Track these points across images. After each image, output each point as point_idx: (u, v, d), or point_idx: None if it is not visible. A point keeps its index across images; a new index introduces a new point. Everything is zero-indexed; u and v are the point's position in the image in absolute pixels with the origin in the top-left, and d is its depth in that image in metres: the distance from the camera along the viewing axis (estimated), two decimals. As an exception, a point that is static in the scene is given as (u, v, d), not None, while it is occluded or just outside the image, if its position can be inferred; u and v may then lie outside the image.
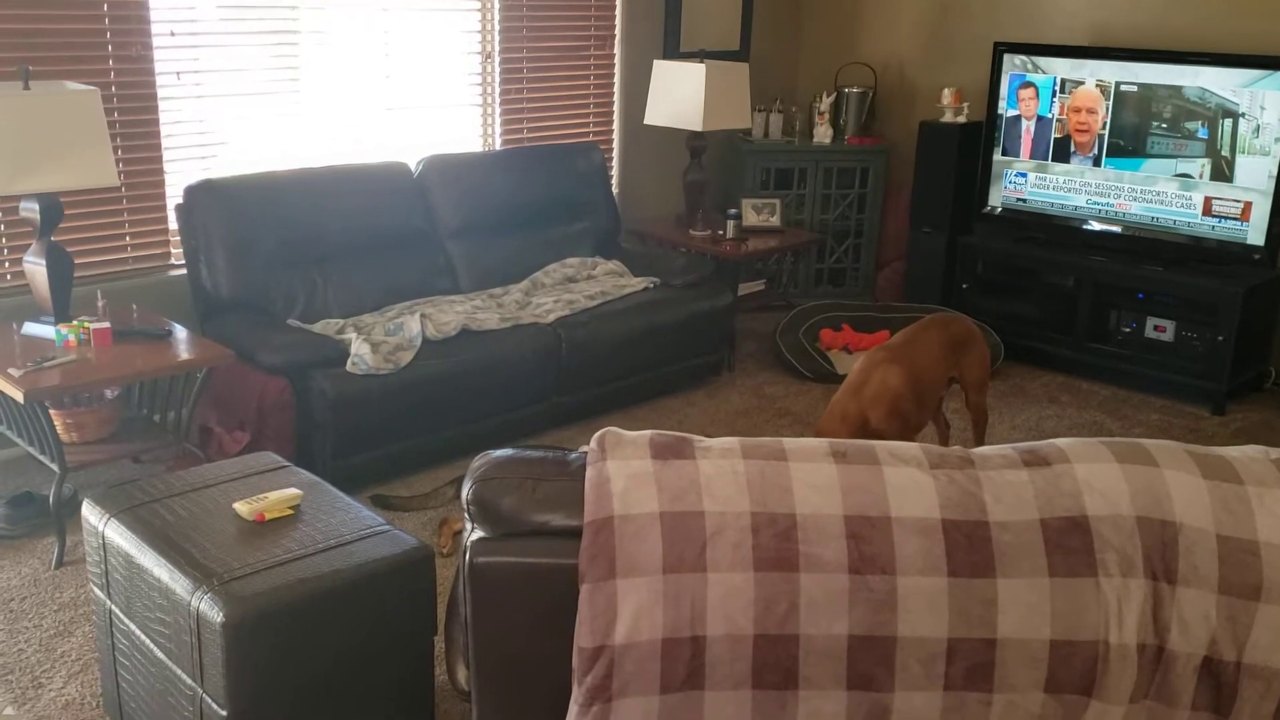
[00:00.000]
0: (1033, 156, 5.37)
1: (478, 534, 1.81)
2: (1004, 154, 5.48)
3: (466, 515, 1.83)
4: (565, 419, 4.51)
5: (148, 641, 2.36)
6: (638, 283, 4.89)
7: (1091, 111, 5.17)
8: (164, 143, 4.28)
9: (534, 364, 4.28)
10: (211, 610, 2.12)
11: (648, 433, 1.85)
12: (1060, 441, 1.81)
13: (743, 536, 1.70)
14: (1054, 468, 1.74)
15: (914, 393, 3.55)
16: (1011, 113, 5.43)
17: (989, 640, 1.67)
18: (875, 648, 1.69)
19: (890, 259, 6.27)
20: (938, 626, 1.67)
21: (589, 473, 1.76)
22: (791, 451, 1.80)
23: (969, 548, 1.68)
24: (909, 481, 1.74)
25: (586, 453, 1.82)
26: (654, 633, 1.69)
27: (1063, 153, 5.29)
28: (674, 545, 1.69)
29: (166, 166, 4.31)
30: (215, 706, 2.16)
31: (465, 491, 1.81)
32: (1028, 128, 5.38)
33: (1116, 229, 5.20)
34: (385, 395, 3.86)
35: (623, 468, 1.76)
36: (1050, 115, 5.30)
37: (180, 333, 3.73)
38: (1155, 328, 5.04)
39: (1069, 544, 1.67)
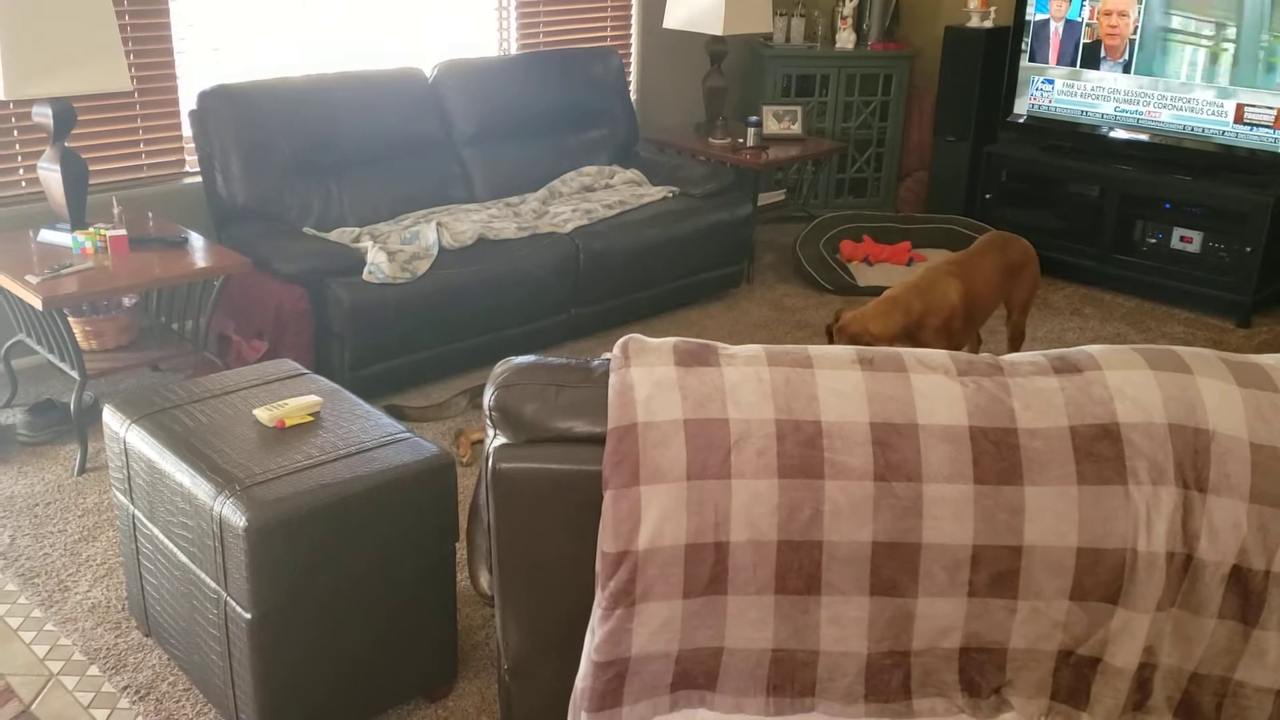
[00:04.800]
0: (1060, 62, 5.24)
1: (500, 440, 1.80)
2: (1031, 60, 5.34)
3: (489, 421, 1.82)
4: (583, 330, 4.48)
5: (171, 546, 2.37)
6: (656, 192, 4.83)
7: (1123, 14, 5.03)
8: (176, 47, 4.21)
9: (552, 274, 4.25)
10: (234, 515, 2.12)
11: (671, 340, 1.82)
12: (1092, 348, 1.78)
13: (767, 443, 1.68)
14: (1085, 374, 1.71)
15: (966, 312, 3.55)
16: (1040, 16, 5.28)
17: (1015, 548, 1.66)
18: (899, 554, 1.68)
19: (913, 169, 6.17)
20: (963, 534, 1.66)
21: (612, 379, 1.74)
22: (817, 358, 1.78)
23: (997, 455, 1.66)
24: (936, 388, 1.71)
25: (609, 359, 1.80)
26: (677, 538, 1.68)
27: (1092, 58, 5.16)
28: (698, 452, 1.68)
29: (179, 72, 4.24)
30: (239, 609, 2.18)
31: (487, 397, 1.80)
32: (1056, 30, 5.23)
33: (1144, 137, 5.09)
34: (402, 304, 3.84)
35: (647, 374, 1.74)
36: (1079, 19, 5.16)
37: (197, 240, 3.70)
38: (1182, 238, 4.96)
39: (1099, 451, 1.65)
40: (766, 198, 5.76)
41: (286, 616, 2.20)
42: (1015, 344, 3.96)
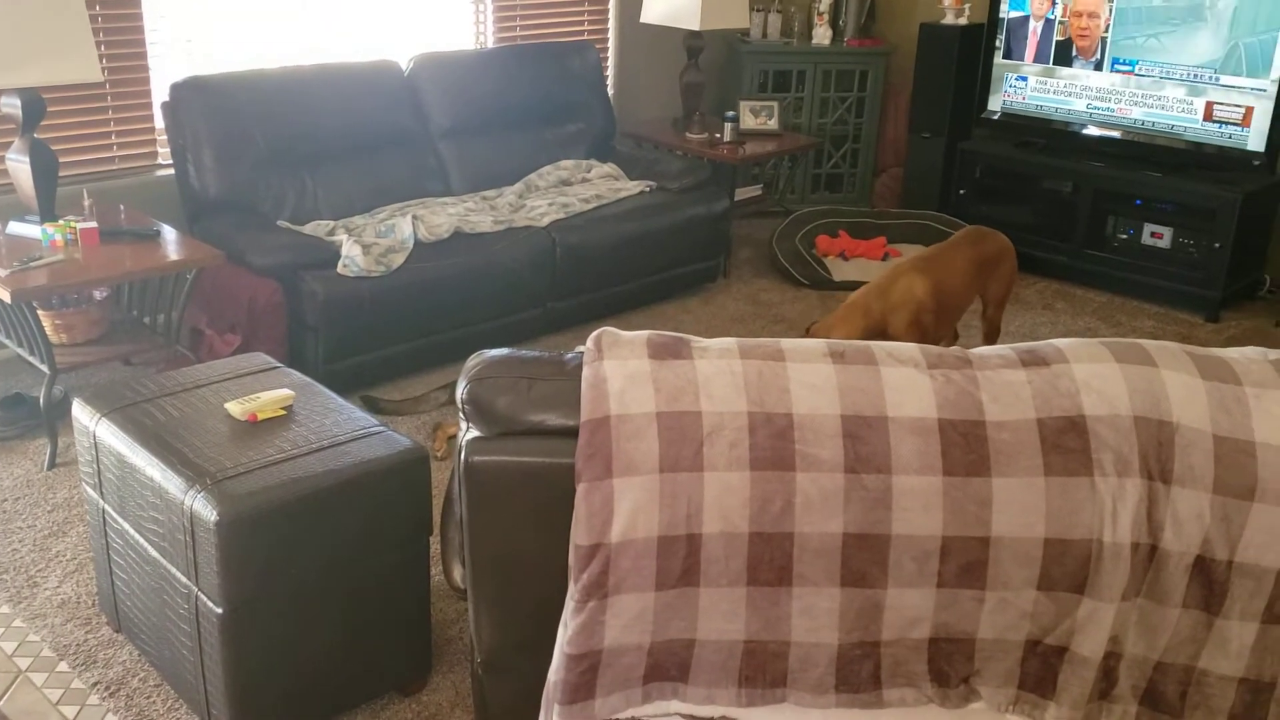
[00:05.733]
0: (1037, 59, 5.26)
1: (473, 433, 1.80)
2: (1007, 57, 5.36)
3: (461, 414, 1.82)
4: (560, 324, 4.48)
5: (141, 541, 2.36)
6: (633, 186, 4.83)
7: (1093, 16, 5.05)
8: (148, 38, 4.17)
9: (528, 267, 4.24)
10: (205, 509, 2.11)
11: (645, 333, 1.83)
12: (1059, 341, 1.80)
13: (739, 436, 1.69)
14: (1052, 368, 1.73)
15: (936, 306, 3.56)
16: (1016, 14, 5.30)
17: (983, 539, 1.68)
18: (869, 546, 1.70)
19: (888, 164, 6.19)
20: (932, 525, 1.68)
21: (585, 372, 1.75)
22: (789, 352, 1.79)
23: (965, 447, 1.67)
24: (906, 381, 1.72)
25: (583, 353, 1.81)
26: (650, 530, 1.69)
27: (1065, 56, 5.19)
28: (670, 445, 1.69)
29: (151, 63, 4.21)
30: (210, 604, 2.17)
31: (460, 390, 1.80)
32: (1034, 29, 5.25)
33: (1116, 134, 5.13)
34: (377, 298, 3.82)
35: (620, 367, 1.74)
36: (1054, 18, 5.18)
37: (169, 233, 3.67)
38: (1152, 234, 5.00)
39: (1065, 444, 1.66)
40: (743, 193, 5.77)
41: (258, 611, 2.20)
42: (991, 339, 3.98)
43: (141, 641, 2.52)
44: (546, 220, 4.38)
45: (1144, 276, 5.02)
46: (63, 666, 2.55)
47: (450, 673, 2.57)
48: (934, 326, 3.58)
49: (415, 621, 2.48)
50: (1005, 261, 3.87)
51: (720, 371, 1.74)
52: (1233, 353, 1.82)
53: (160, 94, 4.18)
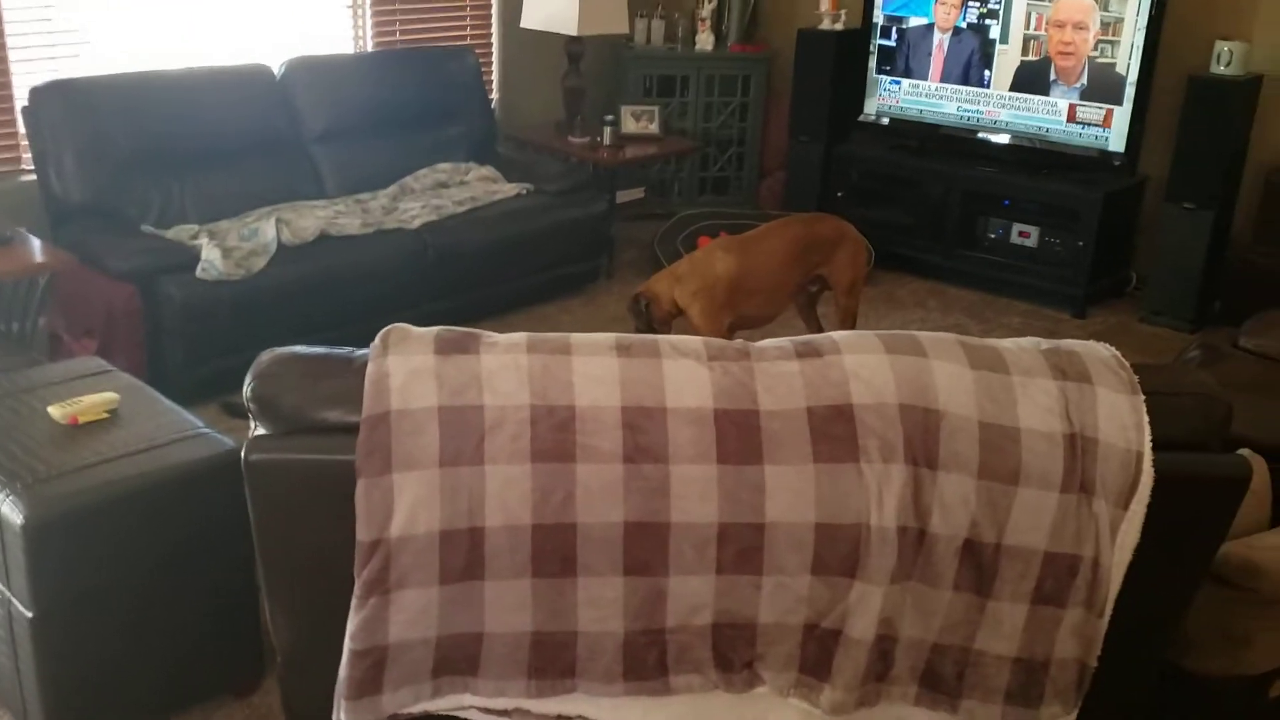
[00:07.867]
0: (945, 80, 5.26)
1: (259, 431, 1.81)
2: (903, 74, 5.40)
3: (249, 413, 1.82)
4: (436, 326, 4.47)
5: (-44, 547, 2.33)
6: (510, 189, 4.84)
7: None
8: (8, 41, 4.10)
9: (398, 270, 4.23)
10: (12, 512, 2.09)
11: (435, 329, 1.85)
12: (836, 334, 1.85)
13: (521, 429, 1.72)
14: (824, 359, 1.78)
15: (734, 286, 3.60)
16: (917, 22, 5.31)
17: (757, 525, 1.72)
18: (650, 534, 1.73)
19: (773, 168, 6.27)
20: (708, 512, 1.72)
21: (369, 369, 1.76)
22: (577, 345, 1.82)
23: (739, 436, 1.72)
24: (686, 373, 1.77)
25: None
26: (431, 525, 1.71)
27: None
28: (451, 439, 1.71)
29: (13, 67, 4.13)
30: (20, 608, 2.14)
31: (245, 388, 1.80)
32: (940, 41, 5.27)
33: (986, 136, 5.25)
34: (238, 302, 3.79)
35: (403, 363, 1.76)
36: (965, 26, 5.19)
37: (22, 238, 3.61)
38: (1020, 234, 5.13)
39: (833, 431, 1.72)
40: (626, 195, 5.82)
41: (72, 615, 2.18)
42: (846, 327, 3.99)
43: (-36, 650, 2.48)
44: (418, 222, 4.38)
45: (1013, 275, 5.16)
46: (-118, 679, 2.50)
47: (284, 675, 2.56)
48: (725, 305, 3.60)
49: (245, 624, 2.47)
50: (844, 245, 3.85)
51: (505, 366, 1.77)
52: (1007, 343, 1.89)
53: (22, 98, 4.10)
